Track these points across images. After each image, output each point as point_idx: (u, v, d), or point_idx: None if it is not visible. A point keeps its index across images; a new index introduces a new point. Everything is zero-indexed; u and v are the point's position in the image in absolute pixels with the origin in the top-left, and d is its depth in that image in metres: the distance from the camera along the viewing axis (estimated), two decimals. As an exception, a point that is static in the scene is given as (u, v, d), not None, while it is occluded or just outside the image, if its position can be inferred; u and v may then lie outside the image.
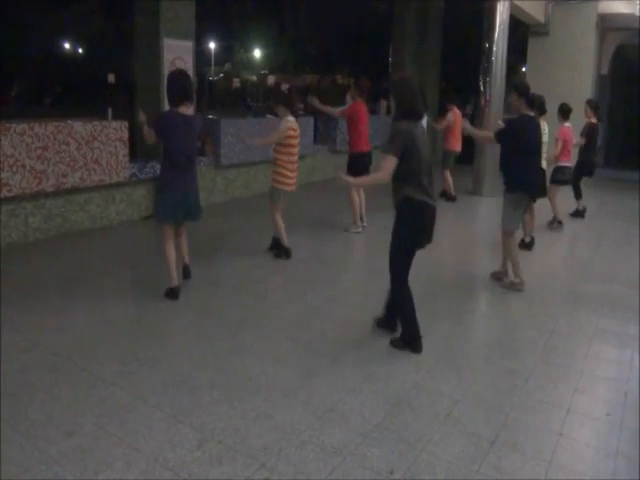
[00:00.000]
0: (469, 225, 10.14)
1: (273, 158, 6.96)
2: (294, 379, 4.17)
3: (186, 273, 6.08)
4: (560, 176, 9.11)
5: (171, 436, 3.43)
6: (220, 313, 5.33)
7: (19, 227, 7.23)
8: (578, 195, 10.13)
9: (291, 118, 6.75)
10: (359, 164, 8.27)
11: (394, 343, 4.73)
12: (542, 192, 7.45)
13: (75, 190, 7.83)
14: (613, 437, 3.66)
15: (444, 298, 6.06)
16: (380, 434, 3.54)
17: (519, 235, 7.22)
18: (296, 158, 6.98)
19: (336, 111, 8.69)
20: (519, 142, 6.02)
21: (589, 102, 10.14)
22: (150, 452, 3.28)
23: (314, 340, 4.86)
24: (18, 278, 5.92)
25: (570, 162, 9.15)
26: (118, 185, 8.43)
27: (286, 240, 7.03)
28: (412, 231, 4.58)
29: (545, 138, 7.55)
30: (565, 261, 8.09)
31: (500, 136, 6.22)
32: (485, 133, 6.59)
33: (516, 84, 6.30)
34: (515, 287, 6.31)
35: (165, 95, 5.52)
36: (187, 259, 6.10)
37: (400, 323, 4.78)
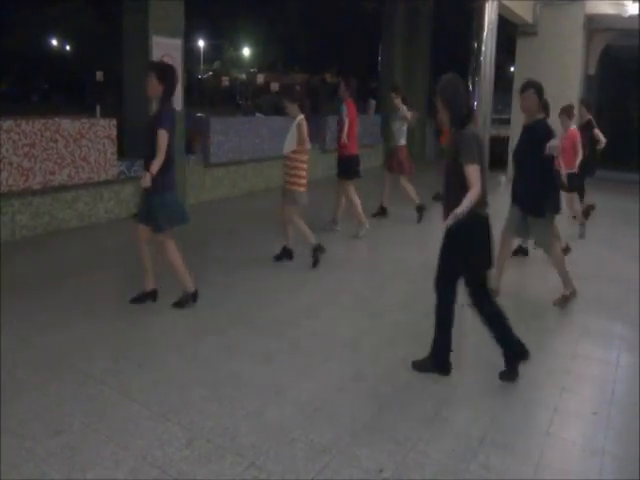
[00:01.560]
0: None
1: (289, 160, 6.61)
2: (283, 378, 4.17)
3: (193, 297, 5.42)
4: (575, 183, 8.25)
5: (160, 434, 3.42)
6: (209, 311, 5.32)
7: (6, 225, 7.18)
8: (582, 196, 9.58)
9: (302, 116, 6.55)
10: (352, 167, 8.09)
11: (504, 376, 4.24)
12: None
13: (63, 188, 7.79)
14: (599, 436, 3.69)
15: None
16: (369, 433, 3.55)
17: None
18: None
19: (345, 128, 7.93)
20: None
21: (582, 102, 9.88)
22: (139, 450, 3.26)
23: (304, 339, 4.86)
24: (5, 276, 5.87)
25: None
26: (106, 183, 8.39)
27: (314, 238, 6.72)
28: (481, 251, 4.10)
29: None
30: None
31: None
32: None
33: (533, 84, 5.44)
34: (568, 300, 5.81)
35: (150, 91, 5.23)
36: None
37: (499, 344, 4.26)
